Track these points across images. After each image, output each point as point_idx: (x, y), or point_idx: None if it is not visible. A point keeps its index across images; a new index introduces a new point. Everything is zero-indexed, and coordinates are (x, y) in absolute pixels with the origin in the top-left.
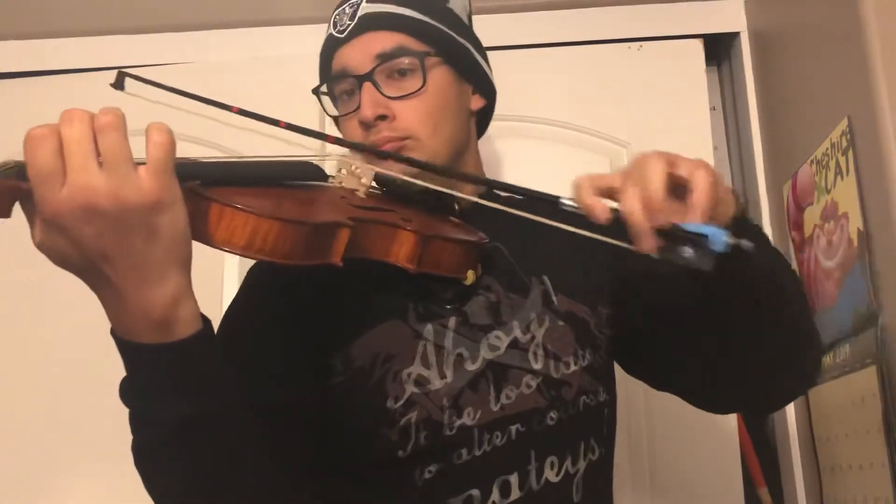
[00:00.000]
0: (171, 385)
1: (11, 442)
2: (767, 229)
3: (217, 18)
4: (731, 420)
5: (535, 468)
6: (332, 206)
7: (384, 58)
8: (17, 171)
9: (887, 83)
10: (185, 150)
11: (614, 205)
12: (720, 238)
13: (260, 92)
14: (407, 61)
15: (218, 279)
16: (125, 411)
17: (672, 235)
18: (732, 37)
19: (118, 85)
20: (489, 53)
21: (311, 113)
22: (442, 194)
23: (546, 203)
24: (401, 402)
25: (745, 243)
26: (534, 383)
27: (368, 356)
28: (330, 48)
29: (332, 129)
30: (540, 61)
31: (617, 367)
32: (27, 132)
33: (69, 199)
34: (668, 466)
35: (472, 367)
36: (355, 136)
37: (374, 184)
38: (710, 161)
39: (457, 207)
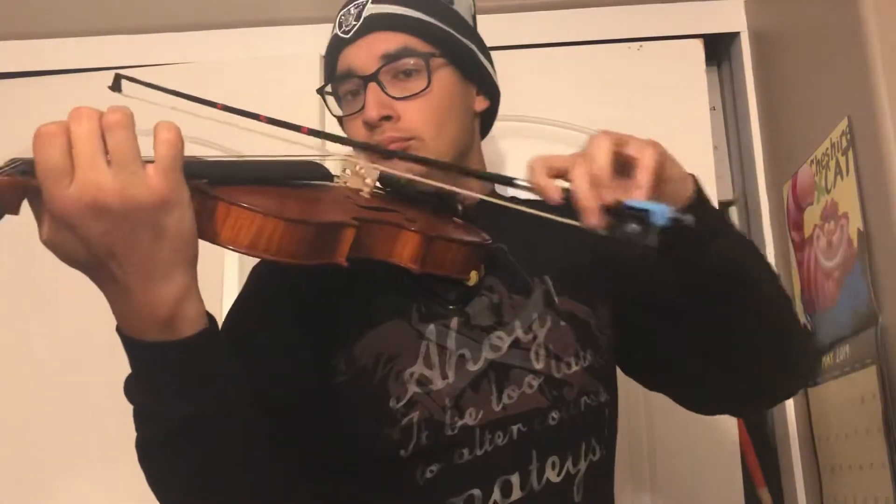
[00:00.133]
0: (175, 383)
1: (11, 442)
2: (767, 229)
3: (217, 18)
4: (731, 420)
5: (537, 468)
6: (337, 206)
7: (389, 58)
8: (26, 167)
9: (887, 83)
10: (185, 150)
11: (566, 185)
12: (663, 213)
13: (260, 92)
14: (412, 62)
15: (218, 278)
16: (126, 411)
17: (617, 212)
18: (732, 37)
19: (115, 87)
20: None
21: (312, 113)
22: (445, 194)
23: (509, 185)
24: (403, 402)
25: (687, 218)
26: (535, 383)
27: (371, 356)
28: (335, 48)
29: (332, 129)
30: (540, 61)
31: (617, 368)
32: (37, 129)
33: (77, 197)
34: (668, 466)
35: (474, 367)
36: (360, 137)
37: (378, 184)
38: (711, 161)
39: (460, 208)
